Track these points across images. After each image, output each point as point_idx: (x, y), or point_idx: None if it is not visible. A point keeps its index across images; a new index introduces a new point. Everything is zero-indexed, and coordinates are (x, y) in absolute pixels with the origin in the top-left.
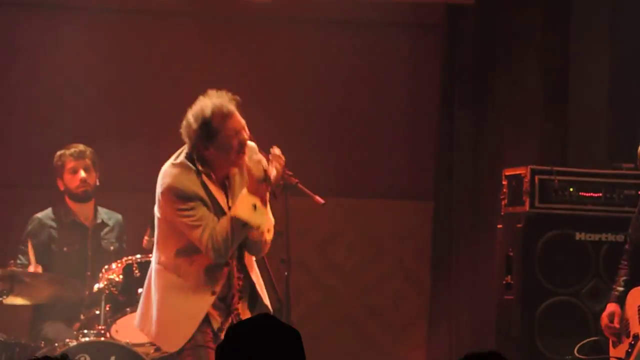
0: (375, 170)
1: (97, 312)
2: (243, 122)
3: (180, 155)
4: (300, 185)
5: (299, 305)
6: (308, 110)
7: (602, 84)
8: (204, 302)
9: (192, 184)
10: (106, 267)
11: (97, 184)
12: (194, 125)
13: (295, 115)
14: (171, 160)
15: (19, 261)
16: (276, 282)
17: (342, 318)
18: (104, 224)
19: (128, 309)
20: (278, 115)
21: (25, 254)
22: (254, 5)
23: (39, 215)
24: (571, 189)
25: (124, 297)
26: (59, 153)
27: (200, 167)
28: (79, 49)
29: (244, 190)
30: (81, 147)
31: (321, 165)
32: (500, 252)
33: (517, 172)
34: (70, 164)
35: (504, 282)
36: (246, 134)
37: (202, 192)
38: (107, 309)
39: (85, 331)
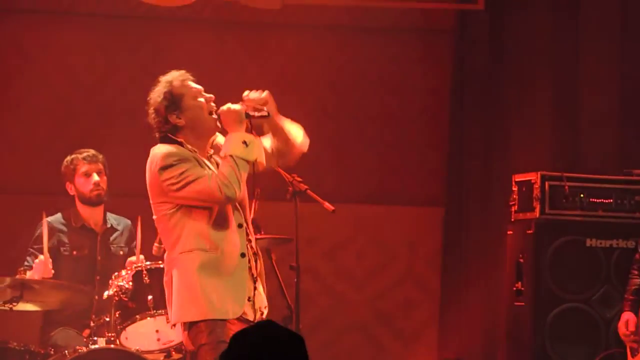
0: (385, 176)
1: (107, 319)
2: (200, 87)
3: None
4: (309, 192)
5: (309, 312)
6: (318, 115)
7: (612, 90)
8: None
9: (180, 151)
10: (116, 273)
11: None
12: (159, 99)
13: (305, 121)
14: (152, 153)
15: (26, 263)
16: (286, 289)
17: (352, 325)
18: (113, 229)
19: (138, 316)
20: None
21: (34, 256)
22: (263, 12)
23: (49, 219)
24: (582, 195)
25: (134, 304)
26: (69, 157)
27: (181, 140)
28: (89, 55)
29: (228, 136)
30: (93, 151)
31: (331, 171)
32: (511, 259)
33: (528, 178)
34: (83, 168)
35: (515, 288)
36: (208, 97)
37: (192, 156)
38: (117, 315)
39: (95, 338)
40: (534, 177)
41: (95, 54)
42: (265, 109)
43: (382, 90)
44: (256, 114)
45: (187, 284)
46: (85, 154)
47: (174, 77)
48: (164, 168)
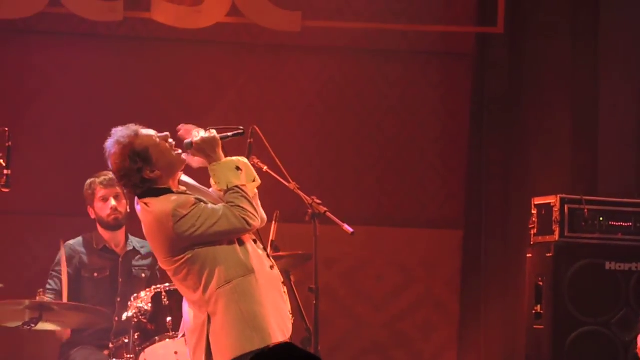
0: (405, 199)
1: (126, 340)
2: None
3: (139, 208)
4: (328, 214)
5: (328, 334)
6: (337, 138)
7: (632, 112)
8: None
9: (181, 199)
10: (135, 295)
11: (128, 211)
12: (126, 164)
13: (324, 144)
14: (151, 211)
15: (48, 286)
16: (305, 311)
17: (371, 347)
18: (135, 252)
19: (157, 338)
20: (306, 143)
21: (56, 278)
22: (282, 34)
23: (70, 242)
24: (601, 219)
25: (153, 326)
26: (89, 181)
27: (167, 187)
28: (109, 76)
29: (212, 166)
30: (111, 174)
31: (350, 193)
32: (530, 282)
33: (547, 201)
34: (100, 192)
35: (534, 311)
36: (163, 135)
37: (194, 197)
38: (136, 337)
39: (114, 359)
40: (553, 200)
41: (114, 75)
42: (239, 127)
43: (401, 113)
44: (230, 134)
45: (239, 314)
46: (102, 178)
47: (128, 134)
48: (179, 220)
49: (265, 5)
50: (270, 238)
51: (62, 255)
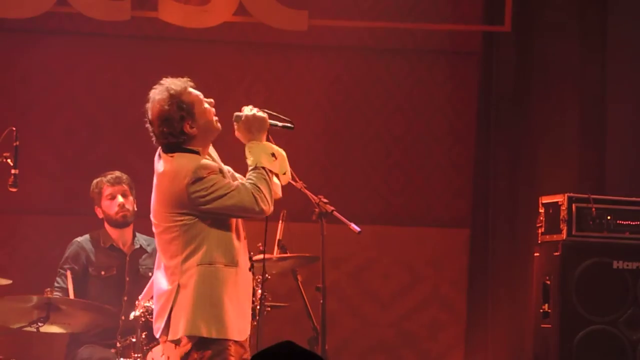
0: (411, 198)
1: (133, 339)
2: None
3: (160, 160)
4: (335, 213)
5: (335, 333)
6: (344, 136)
7: (639, 110)
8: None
9: (207, 163)
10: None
11: (135, 209)
12: (170, 109)
13: (331, 143)
14: (174, 163)
15: (56, 284)
16: (311, 310)
17: (378, 346)
18: (142, 250)
19: None
20: (313, 142)
21: (63, 276)
22: (289, 33)
23: (79, 239)
24: (609, 217)
25: None
26: (95, 181)
27: (197, 149)
28: (116, 76)
29: (251, 144)
30: (117, 173)
31: (357, 192)
32: (538, 280)
33: (554, 200)
34: (107, 190)
35: (541, 310)
36: (209, 100)
37: (217, 167)
38: (143, 336)
39: (121, 359)
40: (560, 198)
41: (121, 74)
42: (289, 120)
43: (408, 112)
44: (279, 124)
45: (208, 298)
46: (109, 177)
47: (178, 85)
48: (195, 181)
49: (272, 4)
50: (277, 237)
51: (69, 281)
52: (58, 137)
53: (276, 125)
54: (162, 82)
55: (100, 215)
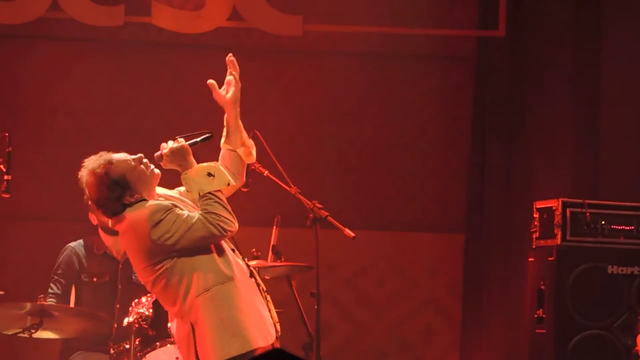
0: (406, 203)
1: (127, 346)
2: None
3: (115, 225)
4: (330, 218)
5: (330, 339)
6: (339, 142)
7: (633, 116)
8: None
9: (158, 203)
10: (136, 300)
11: None
12: (105, 193)
13: (325, 148)
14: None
15: (50, 290)
16: (306, 316)
17: (373, 352)
18: None
19: (158, 343)
20: (308, 147)
21: (57, 282)
22: (284, 39)
23: (72, 244)
24: (603, 222)
25: (154, 332)
26: None
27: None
28: (110, 81)
29: (184, 176)
30: None
31: (351, 197)
32: (532, 285)
33: (549, 205)
34: None
35: (536, 315)
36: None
37: (170, 203)
38: (137, 343)
39: None
40: (555, 204)
41: (115, 80)
42: (206, 131)
43: (402, 117)
44: (198, 139)
45: (219, 321)
46: None
47: (104, 164)
48: (154, 226)
49: (266, 9)
50: (272, 243)
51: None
52: (51, 142)
53: (196, 143)
54: (84, 164)
55: (94, 222)
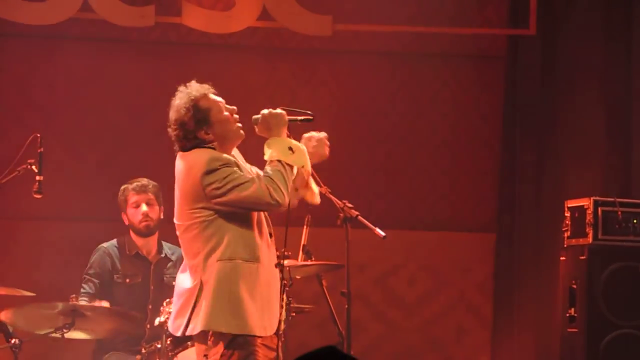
0: (437, 202)
1: (159, 345)
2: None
3: (178, 160)
4: (360, 218)
5: (360, 338)
6: (369, 141)
7: None
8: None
9: (222, 155)
10: (167, 300)
11: (161, 217)
12: (185, 114)
13: (356, 147)
14: (189, 157)
15: (82, 290)
16: (337, 316)
17: (404, 351)
18: (167, 259)
19: (189, 343)
20: (338, 147)
21: (90, 282)
22: (314, 38)
23: (105, 244)
24: (635, 221)
25: None
26: (122, 187)
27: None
28: (140, 81)
29: (269, 140)
30: (144, 180)
31: (382, 197)
32: (564, 285)
33: (580, 204)
34: (132, 198)
35: (568, 314)
36: (232, 108)
37: (234, 161)
38: (168, 342)
39: None
40: (586, 202)
41: (146, 80)
42: (309, 112)
43: (433, 116)
44: (299, 118)
45: (227, 294)
46: (135, 184)
47: (198, 90)
48: (208, 172)
49: (296, 9)
50: (302, 242)
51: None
52: (83, 143)
53: (296, 120)
54: (185, 86)
55: (127, 222)
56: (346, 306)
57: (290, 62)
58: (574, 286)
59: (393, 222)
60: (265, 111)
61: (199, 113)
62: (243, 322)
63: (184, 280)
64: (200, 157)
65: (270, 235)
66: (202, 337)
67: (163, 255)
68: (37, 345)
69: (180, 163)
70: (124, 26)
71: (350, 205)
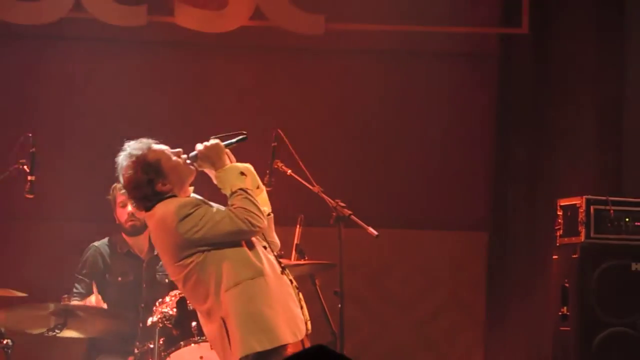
0: (429, 201)
1: (151, 345)
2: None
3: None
4: (353, 217)
5: (353, 337)
6: (362, 140)
7: None
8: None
9: (188, 199)
10: (160, 300)
11: None
12: (138, 175)
13: (348, 147)
14: (157, 214)
15: (75, 290)
16: (330, 315)
17: (397, 350)
18: (159, 257)
19: (182, 343)
20: (330, 146)
21: (82, 282)
22: (306, 38)
23: (96, 243)
24: (627, 219)
25: (178, 331)
26: (112, 186)
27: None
28: (134, 81)
29: (218, 174)
30: None
31: (375, 196)
32: (556, 283)
33: (573, 202)
34: (120, 198)
35: (560, 313)
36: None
37: (201, 200)
38: (161, 342)
39: None
40: (579, 201)
41: (138, 80)
42: (242, 132)
43: (426, 115)
44: (234, 140)
45: (247, 316)
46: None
47: (140, 147)
48: (182, 219)
49: (288, 8)
50: (295, 242)
51: (95, 295)
52: (74, 143)
53: (231, 144)
54: (124, 147)
55: (117, 221)
56: (339, 305)
57: (282, 62)
58: (567, 284)
59: (386, 221)
60: (199, 146)
61: (150, 168)
62: (273, 335)
63: (210, 329)
64: (167, 209)
65: (265, 247)
66: None
67: (155, 253)
68: (29, 346)
69: (151, 223)
70: (116, 25)
71: (342, 204)
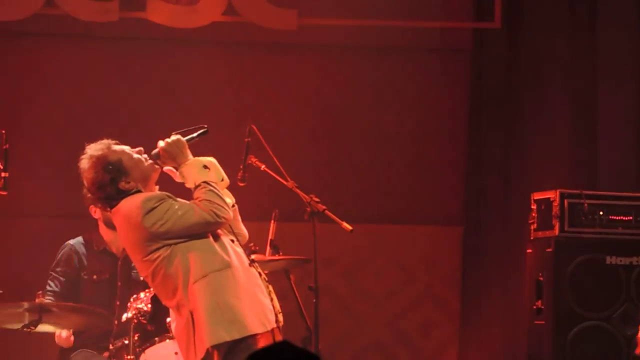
0: (404, 196)
1: (126, 341)
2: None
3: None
4: (327, 212)
5: (328, 332)
6: (335, 135)
7: (630, 106)
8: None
9: (152, 194)
10: (134, 296)
11: None
12: (100, 175)
13: (322, 142)
14: (122, 209)
15: (48, 288)
16: (304, 310)
17: (372, 345)
18: None
19: (157, 338)
20: (304, 141)
21: (56, 279)
22: (279, 33)
23: (71, 242)
24: (601, 213)
25: (153, 327)
26: None
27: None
28: (106, 77)
29: (181, 169)
30: None
31: (349, 191)
32: (530, 277)
33: (547, 196)
34: None
35: (535, 307)
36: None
37: (160, 193)
38: (136, 338)
39: None
40: (553, 195)
41: (111, 76)
42: (202, 125)
43: (399, 110)
44: (195, 135)
45: (215, 306)
46: None
47: (100, 148)
48: (147, 213)
49: (261, 3)
50: (269, 237)
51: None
52: (48, 139)
53: (193, 138)
54: (85, 150)
55: (96, 216)
56: (314, 300)
57: (255, 57)
58: (541, 278)
59: (360, 216)
60: (161, 143)
61: (112, 167)
62: (241, 325)
63: (177, 324)
64: (132, 203)
65: (232, 240)
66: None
67: None
68: (3, 342)
69: (117, 220)
70: (88, 21)
71: (317, 199)
